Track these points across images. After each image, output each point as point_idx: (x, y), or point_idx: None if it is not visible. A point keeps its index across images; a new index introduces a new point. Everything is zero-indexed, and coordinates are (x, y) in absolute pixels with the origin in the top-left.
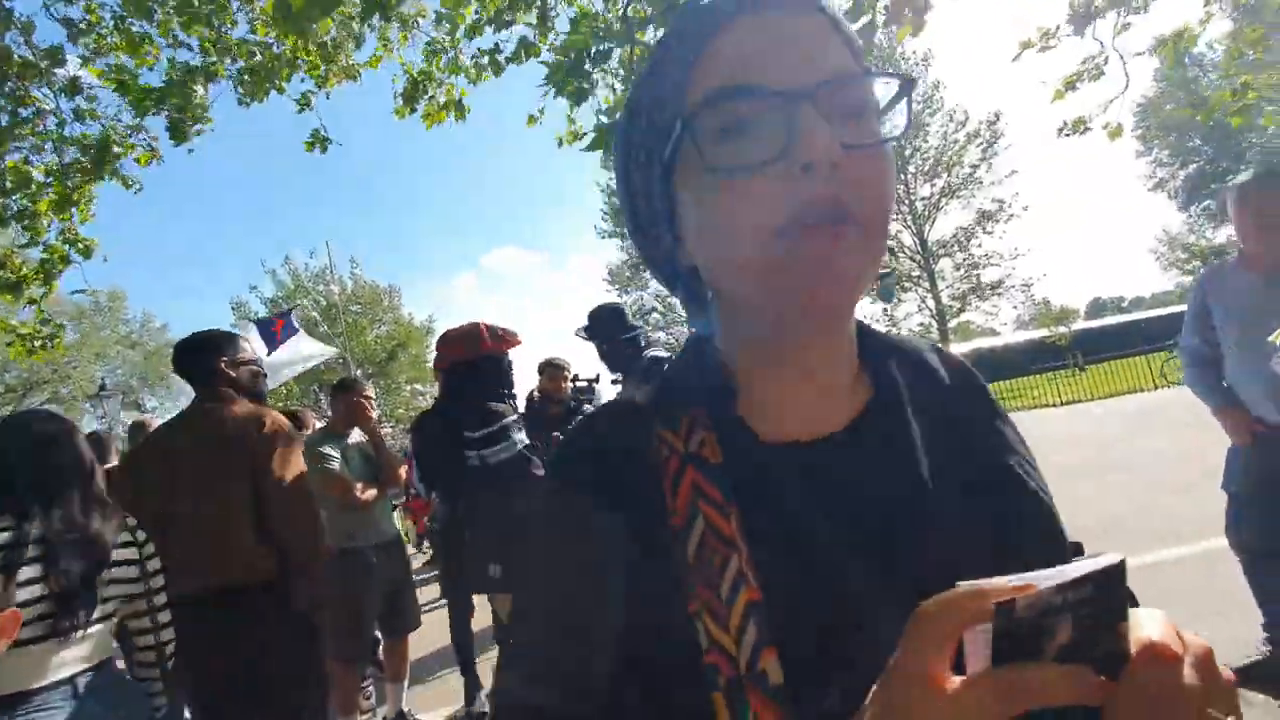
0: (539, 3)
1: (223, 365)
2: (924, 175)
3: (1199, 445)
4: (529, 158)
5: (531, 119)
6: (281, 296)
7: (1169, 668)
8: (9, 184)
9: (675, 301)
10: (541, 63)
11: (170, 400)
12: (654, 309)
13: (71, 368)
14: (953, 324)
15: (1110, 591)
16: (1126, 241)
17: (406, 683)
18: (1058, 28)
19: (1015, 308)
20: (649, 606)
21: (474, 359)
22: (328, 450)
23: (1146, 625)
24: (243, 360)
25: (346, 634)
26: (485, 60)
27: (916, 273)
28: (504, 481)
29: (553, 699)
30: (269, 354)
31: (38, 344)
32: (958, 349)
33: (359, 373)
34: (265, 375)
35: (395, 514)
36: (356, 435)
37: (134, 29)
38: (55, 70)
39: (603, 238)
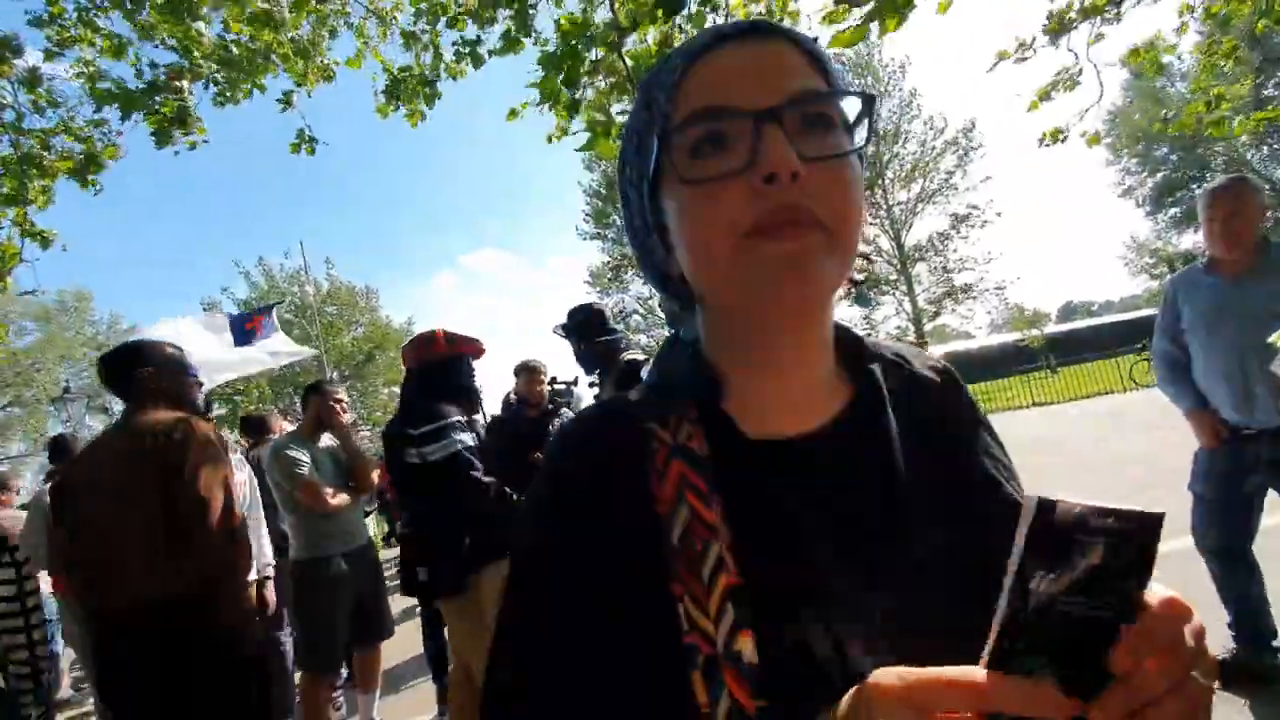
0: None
1: (144, 375)
2: (901, 181)
3: (1167, 446)
4: (509, 157)
5: (513, 113)
6: (255, 298)
7: (1179, 620)
8: None
9: (655, 305)
10: (537, 63)
11: None
12: (635, 311)
13: (35, 370)
14: (929, 327)
15: (1145, 537)
16: (1096, 247)
17: (379, 692)
18: (1034, 39)
19: (989, 311)
20: (635, 591)
21: (429, 363)
22: (296, 454)
23: (1161, 590)
24: (170, 369)
25: (315, 644)
26: (465, 51)
27: (894, 276)
28: (440, 481)
29: (542, 691)
30: (236, 345)
31: None
32: (934, 351)
33: (334, 375)
34: (200, 384)
35: (371, 518)
36: (328, 439)
37: (104, 26)
38: (13, 60)
39: (584, 239)
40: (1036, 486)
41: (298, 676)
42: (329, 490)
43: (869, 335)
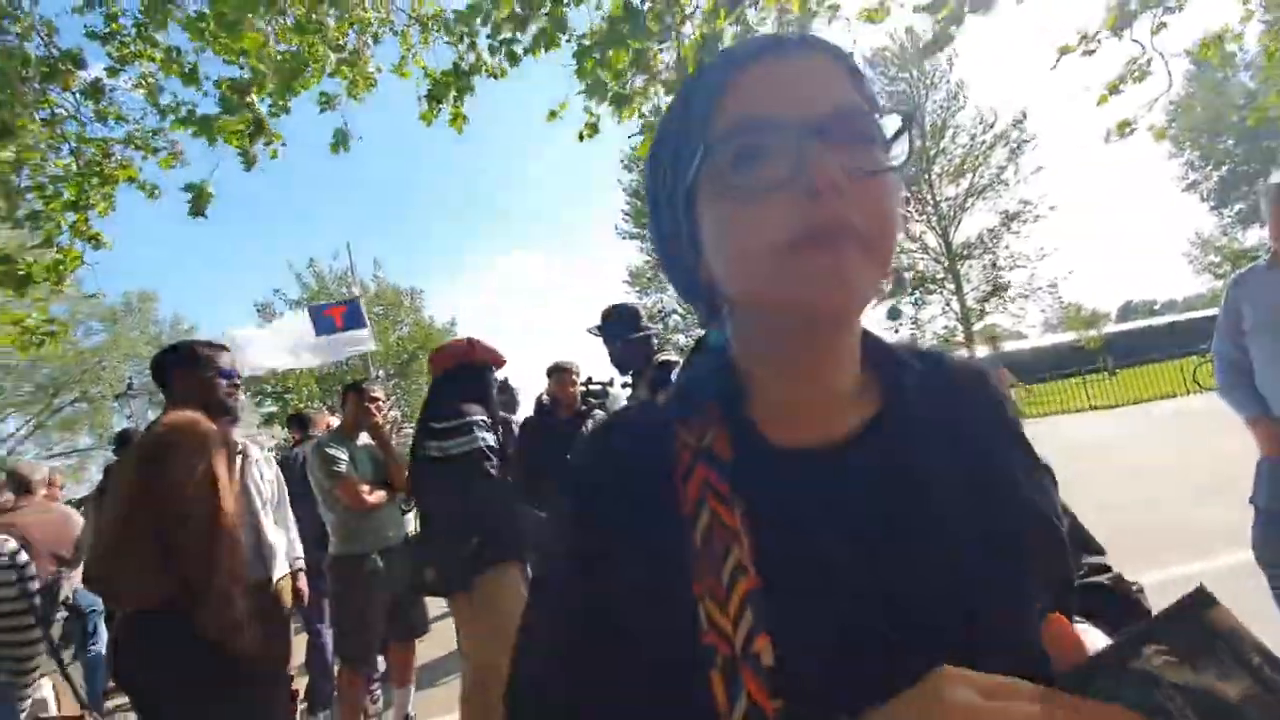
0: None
1: (174, 376)
2: (949, 176)
3: (1230, 454)
4: (547, 159)
5: (552, 114)
6: (306, 298)
7: None
8: (24, 185)
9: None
10: (573, 56)
11: None
12: (674, 311)
13: (101, 367)
14: (978, 326)
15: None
16: (1159, 243)
17: (413, 688)
18: (1098, 31)
19: (1043, 310)
20: (658, 590)
21: (458, 367)
22: (335, 452)
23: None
24: (198, 370)
25: (352, 638)
26: (500, 47)
27: (940, 275)
28: (459, 476)
29: (559, 687)
30: (317, 335)
31: (37, 339)
32: (983, 353)
33: (380, 374)
34: (235, 385)
35: (410, 515)
36: (367, 437)
37: (163, 41)
38: (76, 73)
39: (623, 238)
40: (1086, 494)
41: (336, 668)
42: (365, 488)
43: (915, 334)
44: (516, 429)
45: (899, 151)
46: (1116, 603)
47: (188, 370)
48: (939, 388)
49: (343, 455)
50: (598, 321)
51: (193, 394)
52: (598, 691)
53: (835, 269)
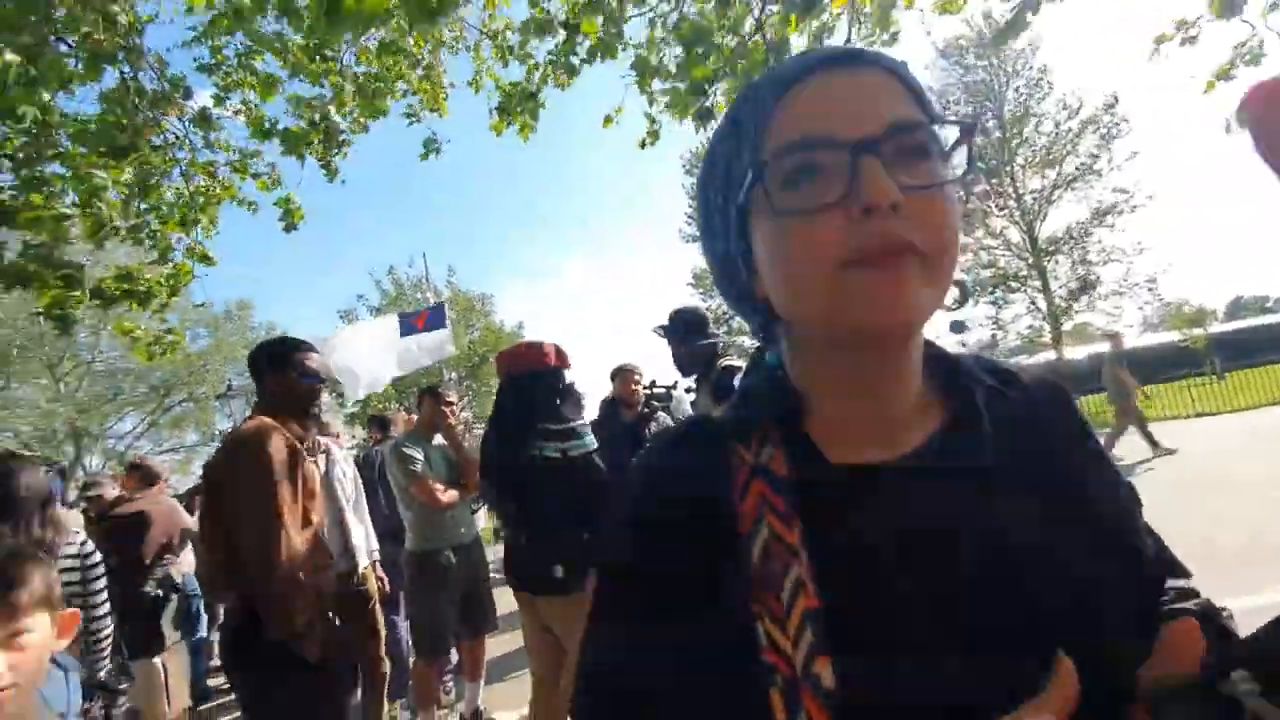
0: (606, 6)
1: (264, 376)
2: (1034, 167)
3: None
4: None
5: (608, 120)
6: (385, 305)
7: None
8: (143, 207)
9: None
10: (632, 67)
11: None
12: (736, 315)
13: (205, 371)
14: (1068, 326)
15: None
16: (1272, 236)
17: (483, 682)
18: (1199, 17)
19: (1141, 308)
20: (714, 607)
21: (541, 370)
22: (411, 452)
23: None
24: (282, 373)
25: (426, 629)
26: (559, 60)
27: (1025, 272)
28: (579, 477)
29: (620, 701)
30: (401, 336)
31: (158, 349)
32: (1072, 354)
33: (453, 377)
34: (320, 387)
35: (481, 514)
36: (441, 438)
37: (262, 70)
38: (185, 102)
39: (686, 241)
40: (1185, 506)
41: (411, 660)
42: (439, 487)
43: (997, 335)
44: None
45: (959, 162)
46: (1204, 630)
47: (274, 371)
48: (1009, 403)
49: (419, 455)
50: (665, 322)
51: (276, 394)
52: (656, 707)
53: (890, 288)
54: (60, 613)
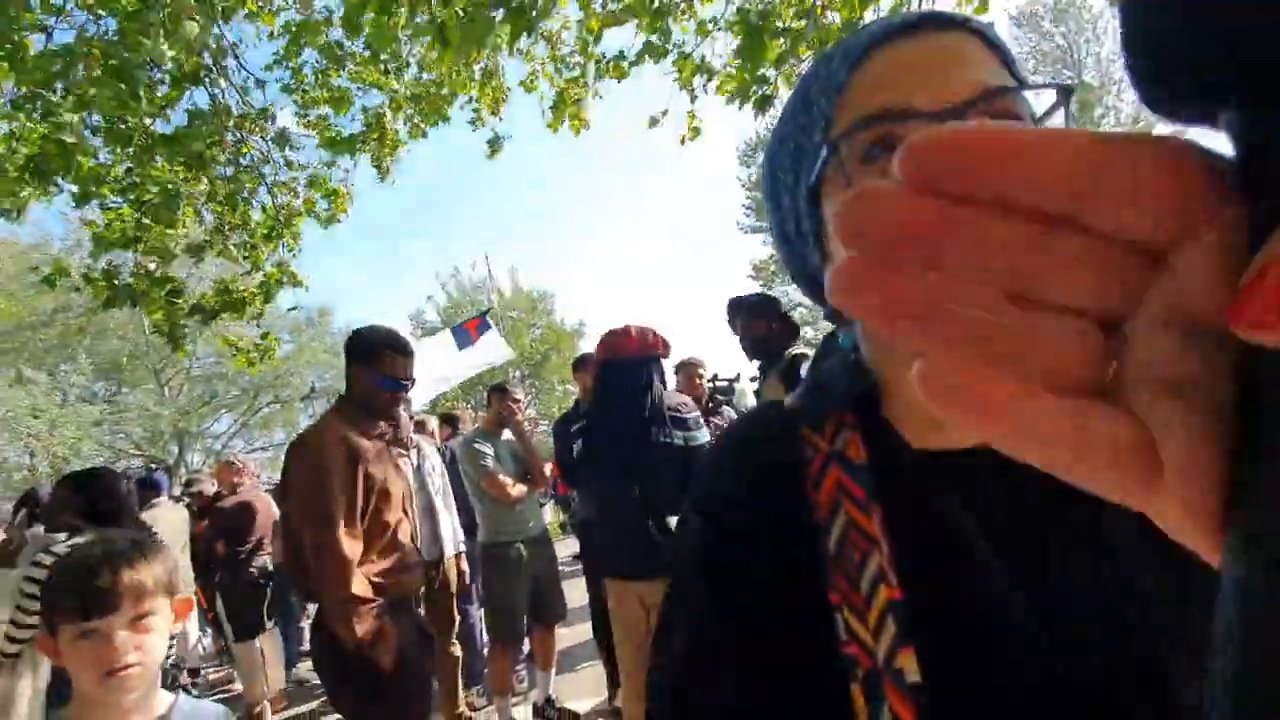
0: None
1: (351, 371)
2: None
3: None
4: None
5: (653, 121)
6: (450, 306)
7: None
8: (236, 222)
9: None
10: (674, 65)
11: None
12: (800, 304)
13: (290, 374)
14: None
15: None
16: None
17: (554, 672)
18: None
19: None
20: (791, 599)
21: (645, 358)
22: (482, 447)
23: None
24: (374, 376)
25: (500, 617)
26: (607, 64)
27: None
28: (686, 466)
29: (695, 699)
30: (459, 349)
31: (256, 357)
32: None
33: (517, 374)
34: (401, 393)
35: (548, 508)
36: (509, 434)
37: (335, 84)
38: (267, 123)
39: (745, 232)
40: None
41: (486, 649)
42: (509, 481)
43: None
44: None
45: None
46: None
47: (360, 366)
48: None
49: (489, 450)
50: (730, 309)
51: (357, 392)
52: (733, 702)
53: None
54: (177, 596)
